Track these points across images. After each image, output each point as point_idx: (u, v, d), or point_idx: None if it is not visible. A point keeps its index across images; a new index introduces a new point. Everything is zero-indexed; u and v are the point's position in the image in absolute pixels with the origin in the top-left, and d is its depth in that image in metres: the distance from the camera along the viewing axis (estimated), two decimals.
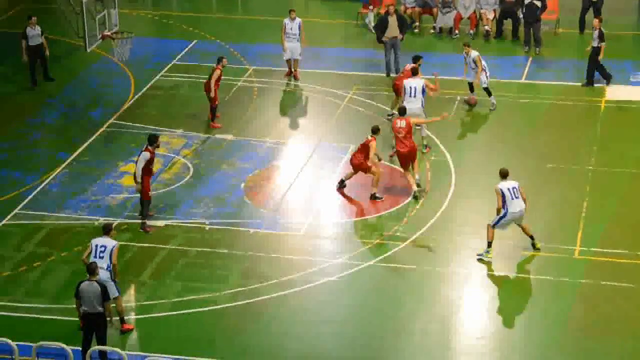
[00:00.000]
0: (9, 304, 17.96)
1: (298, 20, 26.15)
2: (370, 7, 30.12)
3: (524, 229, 19.20)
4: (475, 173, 22.19)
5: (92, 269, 16.00)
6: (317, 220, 20.42)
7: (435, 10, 29.98)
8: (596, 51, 25.82)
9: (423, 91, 22.87)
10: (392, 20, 26.67)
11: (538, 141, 23.60)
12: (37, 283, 18.58)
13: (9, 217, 20.57)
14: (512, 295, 18.28)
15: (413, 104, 22.50)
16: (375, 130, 21.11)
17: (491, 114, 24.78)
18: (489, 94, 24.88)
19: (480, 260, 18.99)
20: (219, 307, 17.93)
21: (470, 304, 18.23)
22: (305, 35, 26.61)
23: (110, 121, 24.61)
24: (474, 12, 29.63)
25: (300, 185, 21.76)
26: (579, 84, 26.40)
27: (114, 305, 16.91)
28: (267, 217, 20.67)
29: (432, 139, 23.44)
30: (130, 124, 24.49)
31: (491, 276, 18.86)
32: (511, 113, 25.07)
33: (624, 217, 20.65)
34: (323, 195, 21.29)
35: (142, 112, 25.08)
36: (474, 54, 24.60)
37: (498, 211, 18.84)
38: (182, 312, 17.69)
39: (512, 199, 18.76)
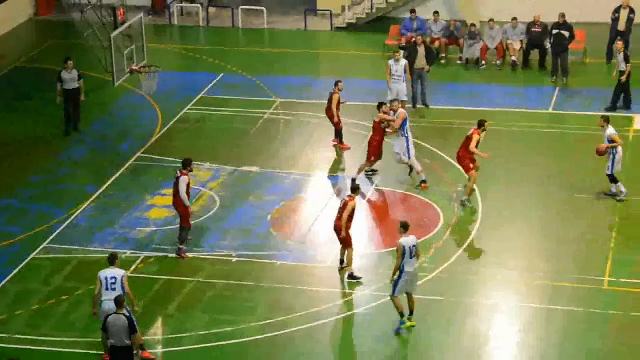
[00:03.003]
0: (37, 337, 18.01)
1: (403, 61, 25.52)
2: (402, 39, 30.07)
3: (410, 300, 17.78)
4: (502, 204, 22.08)
5: (119, 302, 16.02)
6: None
7: (461, 41, 30.00)
8: (622, 74, 25.76)
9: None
10: (420, 51, 26.70)
11: (566, 171, 23.47)
12: (65, 316, 18.63)
13: (37, 250, 20.69)
14: (541, 327, 18.10)
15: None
16: (354, 189, 19.91)
17: (519, 144, 24.60)
18: (612, 180, 22.08)
19: (397, 333, 17.79)
20: (245, 339, 17.89)
21: (498, 336, 18.08)
22: (331, 67, 26.64)
23: (138, 154, 24.76)
24: (501, 42, 29.62)
25: (326, 217, 21.73)
26: (607, 113, 26.25)
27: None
28: (293, 248, 20.66)
29: (458, 170, 23.35)
30: (158, 157, 24.61)
31: (520, 307, 18.70)
32: (539, 143, 24.97)
33: None
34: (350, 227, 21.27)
35: (170, 144, 25.21)
36: (609, 130, 21.90)
37: (396, 268, 17.54)
38: (209, 344, 17.66)
39: (410, 257, 17.53)
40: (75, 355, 17.49)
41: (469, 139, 21.66)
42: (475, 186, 22.28)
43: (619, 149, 21.79)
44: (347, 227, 19.36)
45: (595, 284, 19.15)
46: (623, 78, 25.88)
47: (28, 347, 17.79)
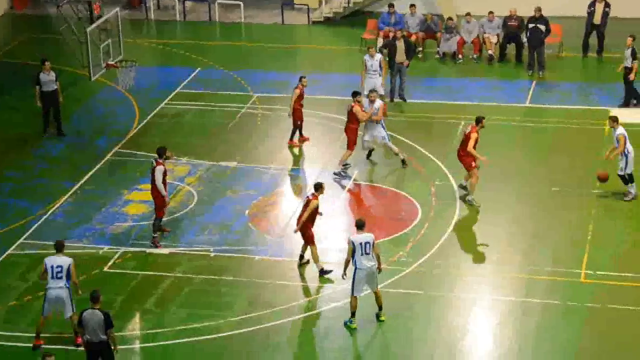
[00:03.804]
0: (14, 333, 17.93)
1: (379, 56, 25.67)
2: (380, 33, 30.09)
3: (376, 297, 17.83)
4: (479, 197, 22.12)
5: (95, 297, 15.98)
6: (323, 246, 20.36)
7: (438, 35, 30.05)
8: (629, 70, 25.66)
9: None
10: (400, 45, 26.73)
11: (543, 165, 23.57)
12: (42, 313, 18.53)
13: (14, 246, 20.59)
14: (518, 320, 18.19)
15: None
16: (317, 188, 19.43)
17: (496, 138, 24.69)
18: (625, 181, 21.78)
19: (347, 327, 17.83)
20: (224, 334, 17.88)
21: (476, 329, 18.15)
22: (308, 61, 26.64)
23: (115, 150, 24.66)
24: (477, 36, 29.69)
25: None
26: (583, 107, 26.42)
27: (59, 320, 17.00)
28: (272, 243, 20.65)
29: (436, 164, 23.41)
30: (135, 152, 24.52)
31: (497, 301, 18.78)
32: (516, 137, 25.06)
33: (630, 240, 20.59)
34: (328, 221, 21.26)
35: (147, 140, 25.12)
36: (619, 130, 21.57)
37: (346, 263, 17.60)
38: (187, 339, 17.63)
39: (362, 254, 17.44)
40: (54, 351, 17.36)
41: (467, 138, 21.47)
42: (453, 181, 22.32)
43: (631, 148, 21.40)
44: (308, 227, 19.23)
45: (572, 277, 19.25)
46: (632, 76, 25.57)
47: (5, 343, 17.71)
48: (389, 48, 26.75)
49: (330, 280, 19.24)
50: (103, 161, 24.13)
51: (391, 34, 28.59)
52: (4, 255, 20.34)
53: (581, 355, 17.25)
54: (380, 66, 25.61)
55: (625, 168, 21.56)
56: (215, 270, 19.76)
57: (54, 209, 22.01)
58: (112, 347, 16.03)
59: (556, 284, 19.09)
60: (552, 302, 18.56)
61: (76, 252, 20.24)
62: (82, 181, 23.17)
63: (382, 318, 17.98)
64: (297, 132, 24.64)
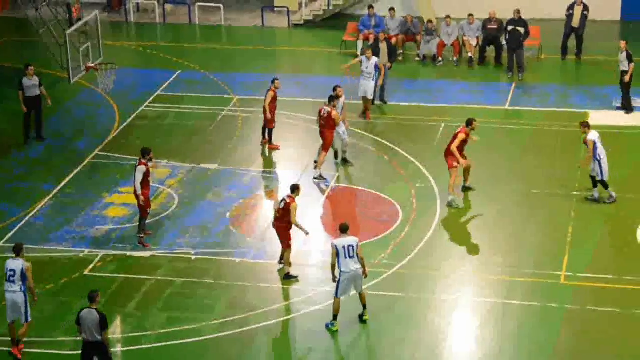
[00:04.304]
0: None
1: (375, 59, 25.48)
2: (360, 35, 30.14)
3: (361, 297, 17.91)
4: (460, 200, 22.19)
5: (92, 297, 16.07)
6: (303, 249, 20.38)
7: (418, 37, 30.13)
8: (624, 73, 25.65)
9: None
10: (383, 47, 26.78)
11: (523, 167, 23.68)
12: None
13: None
14: (499, 322, 18.26)
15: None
16: (293, 189, 19.39)
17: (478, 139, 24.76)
18: (605, 185, 21.76)
19: (329, 329, 17.83)
20: (205, 337, 17.86)
21: (457, 330, 18.21)
22: (288, 64, 26.62)
23: (95, 152, 24.59)
24: (457, 39, 29.79)
25: None
26: (562, 109, 26.56)
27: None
28: (253, 246, 20.64)
29: (417, 166, 23.47)
30: (116, 154, 24.46)
31: (478, 303, 18.85)
32: (495, 139, 25.13)
33: (609, 242, 20.72)
34: (309, 224, 21.27)
35: (127, 142, 25.06)
36: (591, 135, 21.55)
37: (332, 267, 17.68)
38: (168, 343, 17.61)
39: (346, 257, 17.52)
40: (34, 355, 17.33)
41: (454, 137, 21.60)
42: (434, 182, 22.39)
43: (604, 154, 21.41)
44: (287, 229, 19.24)
45: (552, 279, 19.34)
46: (627, 78, 25.63)
47: None
48: (373, 51, 26.81)
49: (297, 281, 19.27)
50: (83, 164, 24.05)
51: (371, 37, 28.64)
52: None
53: (560, 355, 17.33)
54: (375, 69, 25.52)
55: (601, 174, 21.59)
56: (196, 272, 19.73)
57: (33, 212, 21.92)
58: (106, 349, 16.03)
59: (536, 285, 19.17)
60: (533, 304, 18.64)
61: (56, 255, 20.19)
62: (62, 184, 23.09)
63: (366, 317, 18.01)
64: (268, 133, 24.53)
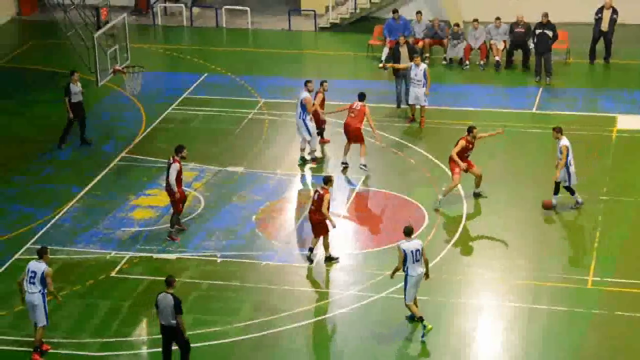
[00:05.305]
0: (20, 338, 17.94)
1: (423, 66, 25.45)
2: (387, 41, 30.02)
3: (415, 303, 17.83)
4: (486, 204, 22.13)
5: (169, 282, 16.46)
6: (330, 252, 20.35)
7: (445, 41, 30.05)
8: None
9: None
10: (403, 51, 26.72)
11: (550, 171, 23.52)
12: (49, 317, 18.51)
13: (21, 251, 20.60)
14: (525, 326, 18.17)
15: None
16: (327, 181, 19.79)
17: (503, 143, 24.63)
18: (572, 192, 21.75)
19: (425, 331, 17.63)
20: (230, 340, 17.89)
21: (483, 335, 18.14)
22: (315, 67, 26.64)
23: (122, 155, 24.69)
24: (484, 42, 29.69)
25: None
26: (590, 113, 26.40)
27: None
28: (278, 249, 20.66)
29: (443, 170, 23.38)
30: (142, 157, 24.56)
31: (504, 307, 18.76)
32: (523, 143, 25.03)
33: (637, 247, 20.56)
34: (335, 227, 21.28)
35: (154, 145, 25.15)
36: (564, 141, 21.48)
37: (396, 270, 17.66)
38: (193, 345, 17.58)
39: (414, 262, 17.51)
40: (62, 356, 17.42)
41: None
42: (460, 186, 22.32)
43: (572, 161, 21.36)
44: (324, 218, 19.51)
45: (579, 284, 19.23)
46: None
47: (11, 348, 17.72)
48: (393, 54, 26.76)
49: (337, 262, 19.24)
50: (110, 166, 24.16)
51: (395, 40, 28.52)
52: (12, 259, 20.36)
53: None
54: (424, 76, 25.41)
55: (569, 180, 21.38)
56: (222, 275, 19.77)
57: (61, 213, 22.04)
58: (182, 333, 16.38)
59: (563, 290, 19.06)
60: (559, 309, 18.54)
61: (83, 257, 20.29)
62: (89, 186, 23.20)
63: (417, 326, 17.85)
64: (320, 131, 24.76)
